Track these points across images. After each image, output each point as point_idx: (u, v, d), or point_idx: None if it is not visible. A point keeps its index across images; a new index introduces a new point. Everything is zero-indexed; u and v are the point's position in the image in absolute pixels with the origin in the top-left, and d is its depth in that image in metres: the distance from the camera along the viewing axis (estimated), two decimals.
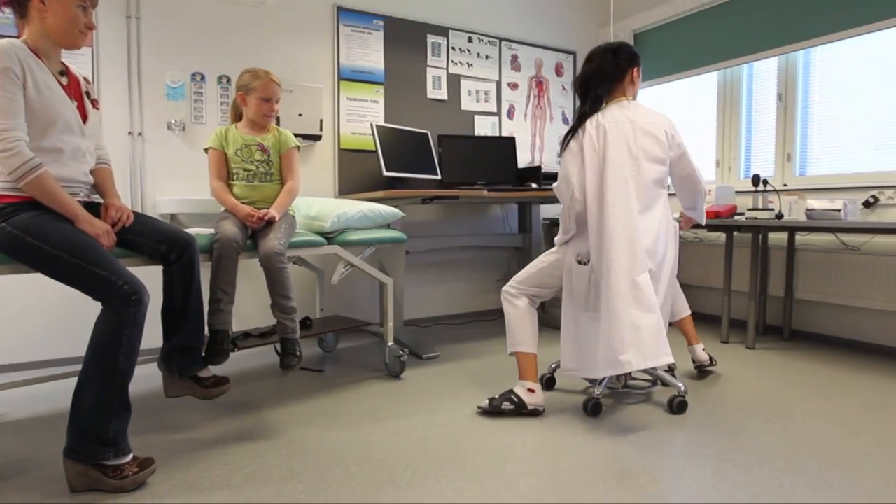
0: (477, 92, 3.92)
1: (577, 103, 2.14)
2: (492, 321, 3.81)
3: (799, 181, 3.31)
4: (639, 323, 1.87)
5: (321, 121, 3.29)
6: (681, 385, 2.12)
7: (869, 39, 3.01)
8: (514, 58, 4.08)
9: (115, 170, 1.93)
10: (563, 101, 4.33)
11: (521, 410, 2.02)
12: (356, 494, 1.50)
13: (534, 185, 3.49)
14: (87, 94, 1.77)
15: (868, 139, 3.04)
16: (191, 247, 1.79)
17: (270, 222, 2.10)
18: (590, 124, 2.00)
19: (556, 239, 2.16)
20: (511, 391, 2.06)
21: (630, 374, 2.28)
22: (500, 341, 3.23)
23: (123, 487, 1.51)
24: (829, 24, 3.12)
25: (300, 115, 3.20)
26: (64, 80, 1.68)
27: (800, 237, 3.23)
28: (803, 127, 3.34)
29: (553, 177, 3.73)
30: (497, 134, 3.99)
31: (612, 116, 1.99)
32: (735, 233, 3.12)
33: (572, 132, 2.04)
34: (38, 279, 1.58)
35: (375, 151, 3.13)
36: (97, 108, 1.81)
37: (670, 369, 2.32)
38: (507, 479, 1.58)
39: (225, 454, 1.76)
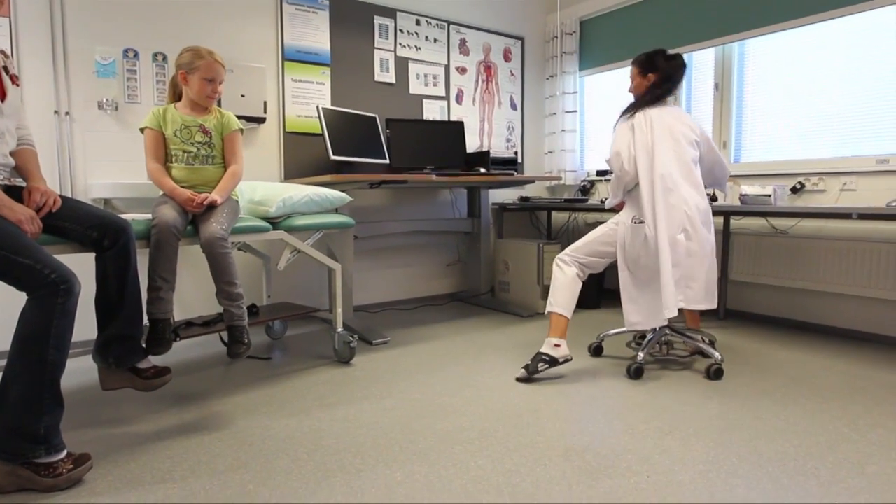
0: (425, 76, 3.89)
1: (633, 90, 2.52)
2: (442, 305, 3.83)
3: (734, 168, 3.47)
4: (669, 277, 2.21)
5: (265, 102, 3.18)
6: (717, 354, 2.33)
7: (800, 33, 3.16)
8: (463, 42, 4.06)
9: (41, 151, 1.80)
10: (511, 86, 4.35)
11: (554, 364, 2.27)
12: (305, 482, 1.49)
13: (482, 170, 3.51)
14: (6, 69, 1.65)
15: (796, 128, 3.22)
16: (125, 232, 1.70)
17: (212, 207, 2.03)
18: (640, 114, 2.36)
19: (605, 203, 2.57)
20: (539, 353, 2.28)
21: (671, 344, 2.62)
22: (451, 325, 3.26)
23: (57, 486, 1.44)
24: (763, 17, 3.26)
25: (243, 96, 3.09)
26: None
27: (734, 221, 3.39)
28: (738, 116, 3.49)
29: (501, 161, 3.79)
30: (446, 118, 3.98)
31: (656, 110, 2.36)
32: None
33: (628, 114, 2.40)
34: None
35: (322, 135, 3.07)
36: (17, 85, 1.69)
37: (711, 342, 2.46)
38: (456, 461, 1.60)
39: (167, 447, 1.70)
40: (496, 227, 4.20)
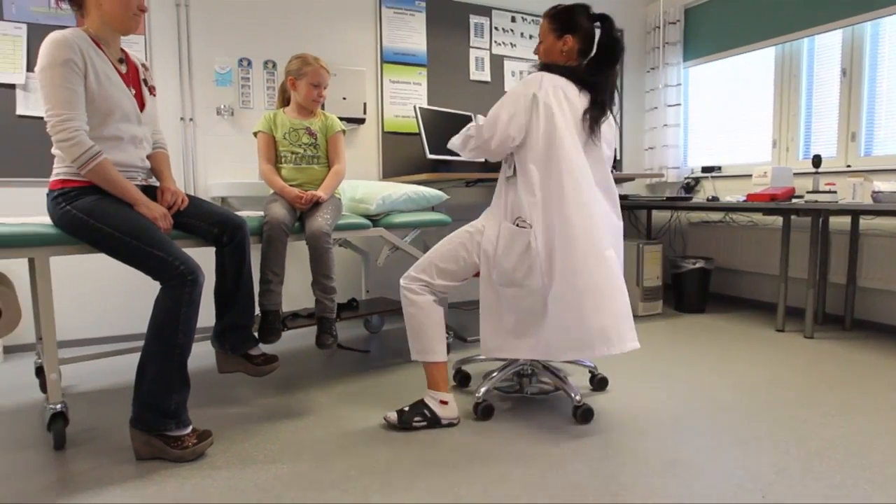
0: (521, 72, 3.85)
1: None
2: None
3: (864, 162, 3.13)
4: (611, 302, 1.69)
5: (365, 104, 3.30)
6: (578, 395, 1.87)
7: None
8: None
9: (170, 154, 1.98)
10: None
11: (435, 425, 1.81)
12: (404, 473, 1.53)
13: None
14: (145, 81, 1.83)
15: None
16: (241, 229, 1.83)
17: (317, 203, 2.13)
18: (551, 85, 1.74)
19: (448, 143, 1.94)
20: (423, 404, 1.82)
21: (536, 376, 2.14)
22: None
23: (184, 457, 1.58)
24: None
25: (344, 98, 3.23)
26: (123, 68, 1.73)
27: (864, 221, 3.07)
28: (869, 104, 3.14)
29: None
30: None
31: (574, 90, 1.78)
32: (793, 217, 2.99)
33: (536, 82, 1.75)
34: (106, 262, 1.65)
35: (419, 134, 3.13)
36: (154, 95, 1.86)
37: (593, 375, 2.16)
38: (553, 464, 1.57)
39: (276, 430, 1.81)
40: None
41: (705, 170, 3.99)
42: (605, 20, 1.81)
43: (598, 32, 1.84)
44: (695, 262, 3.49)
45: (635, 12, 4.28)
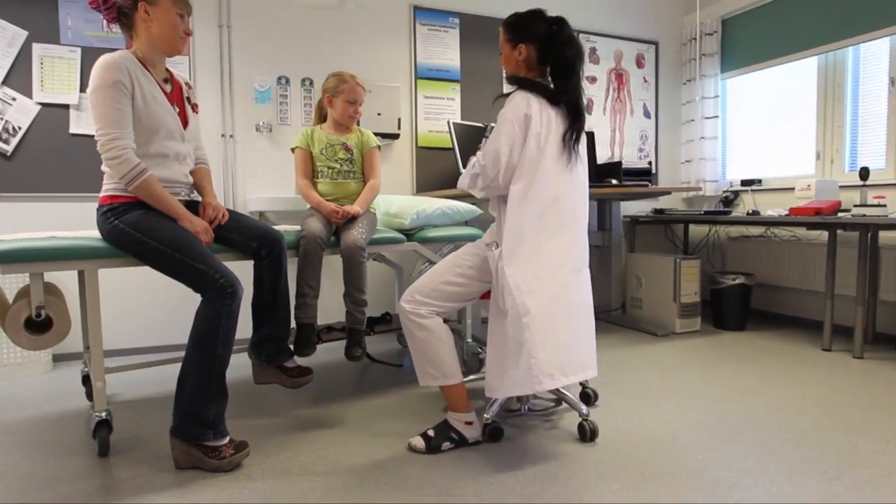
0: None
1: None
2: None
3: None
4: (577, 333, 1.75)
5: (399, 119, 3.34)
6: (585, 409, 1.87)
7: None
8: (593, 50, 3.96)
9: (211, 169, 2.04)
10: (644, 93, 4.16)
11: (461, 445, 1.78)
12: (437, 488, 1.52)
13: (614, 182, 3.38)
14: (189, 99, 1.89)
15: None
16: (279, 243, 1.87)
17: (353, 218, 2.16)
18: (536, 102, 1.68)
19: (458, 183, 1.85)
20: (448, 427, 1.78)
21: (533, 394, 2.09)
22: None
23: (221, 468, 1.61)
24: None
25: (379, 114, 3.27)
26: (168, 87, 1.80)
27: (883, 234, 2.94)
28: None
29: (633, 172, 3.63)
30: None
31: (548, 106, 1.72)
32: (839, 231, 2.88)
33: (522, 99, 1.68)
34: (151, 274, 1.71)
35: (452, 149, 3.15)
36: (196, 112, 1.93)
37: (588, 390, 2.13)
38: (588, 484, 1.54)
39: (310, 442, 1.83)
40: (628, 240, 4.02)
41: (745, 183, 3.89)
42: (560, 23, 1.72)
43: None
44: (735, 277, 3.40)
45: (671, 24, 4.24)
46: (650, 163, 4.14)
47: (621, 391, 2.30)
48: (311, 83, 3.21)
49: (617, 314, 3.75)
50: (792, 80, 3.70)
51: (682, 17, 4.26)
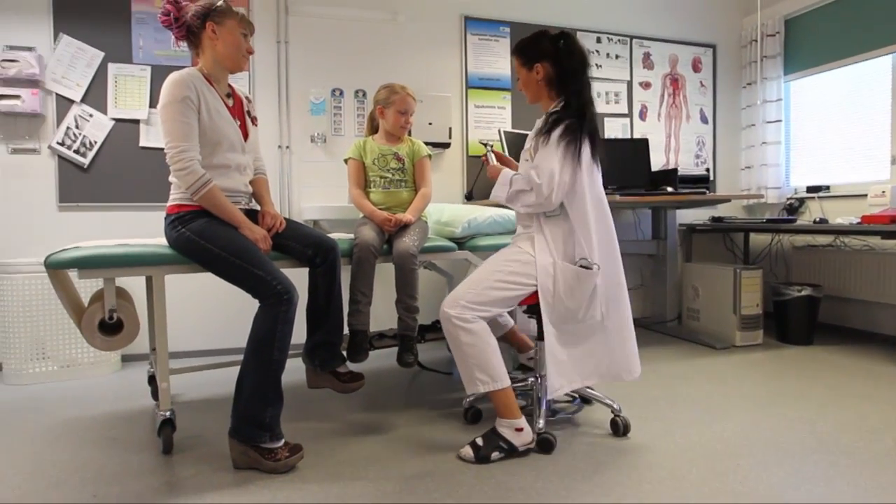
0: (607, 93, 3.79)
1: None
2: None
3: None
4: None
5: (450, 129, 3.37)
6: (616, 405, 2.00)
7: None
8: (647, 55, 3.88)
9: (269, 179, 2.12)
10: (700, 98, 4.04)
11: (512, 454, 1.76)
12: (488, 498, 1.51)
13: (669, 189, 3.29)
14: (249, 112, 1.97)
15: None
16: (334, 251, 1.91)
17: (405, 226, 2.19)
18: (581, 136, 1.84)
19: (493, 195, 1.94)
20: (497, 435, 1.76)
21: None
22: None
23: (277, 469, 1.65)
24: None
25: (430, 123, 3.31)
26: (230, 102, 1.88)
27: None
28: None
29: (690, 180, 3.51)
30: (629, 136, 3.82)
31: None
32: None
33: (570, 134, 1.80)
34: (213, 280, 1.78)
35: None
36: (256, 125, 2.01)
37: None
38: (644, 501, 1.49)
39: (362, 447, 1.85)
40: (684, 249, 3.89)
41: (811, 189, 3.70)
42: (566, 38, 1.85)
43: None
44: (800, 289, 3.23)
45: (729, 26, 4.10)
46: (707, 169, 3.99)
47: (679, 405, 2.22)
48: (364, 95, 3.28)
49: (672, 325, 3.63)
50: (863, 81, 3.50)
51: (742, 19, 4.12)
